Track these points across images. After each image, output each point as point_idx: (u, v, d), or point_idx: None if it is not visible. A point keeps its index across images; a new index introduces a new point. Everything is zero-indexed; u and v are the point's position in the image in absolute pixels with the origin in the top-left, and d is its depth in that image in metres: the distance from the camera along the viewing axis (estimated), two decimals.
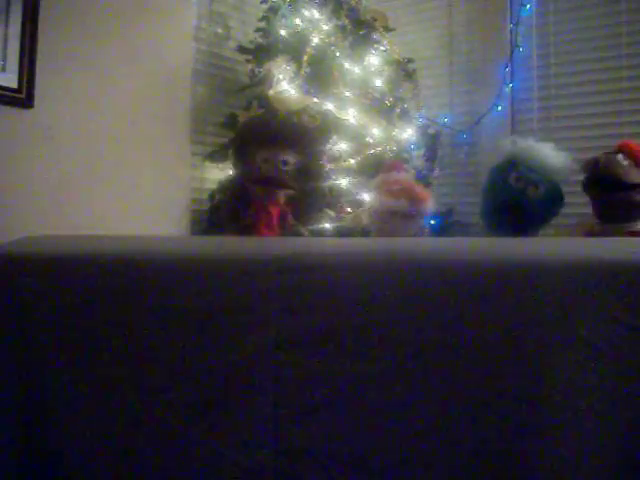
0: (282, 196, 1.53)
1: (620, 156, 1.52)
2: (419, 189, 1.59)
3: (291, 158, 1.50)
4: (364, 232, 1.84)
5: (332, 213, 1.89)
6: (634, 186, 1.49)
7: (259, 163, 1.48)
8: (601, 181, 1.52)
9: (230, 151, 1.54)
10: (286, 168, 1.49)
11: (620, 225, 1.49)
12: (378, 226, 1.60)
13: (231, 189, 1.57)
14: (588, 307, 0.72)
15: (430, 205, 1.57)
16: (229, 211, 1.59)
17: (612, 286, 0.72)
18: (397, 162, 1.83)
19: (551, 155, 1.55)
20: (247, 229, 1.50)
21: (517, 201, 1.48)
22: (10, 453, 0.94)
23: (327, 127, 2.06)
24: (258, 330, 0.85)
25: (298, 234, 1.54)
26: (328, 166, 1.93)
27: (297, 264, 0.86)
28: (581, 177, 1.62)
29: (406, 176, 1.67)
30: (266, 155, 1.48)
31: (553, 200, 1.55)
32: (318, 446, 0.81)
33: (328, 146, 2.01)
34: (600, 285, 0.72)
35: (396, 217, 1.53)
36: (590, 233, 1.57)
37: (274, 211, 1.52)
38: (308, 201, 1.56)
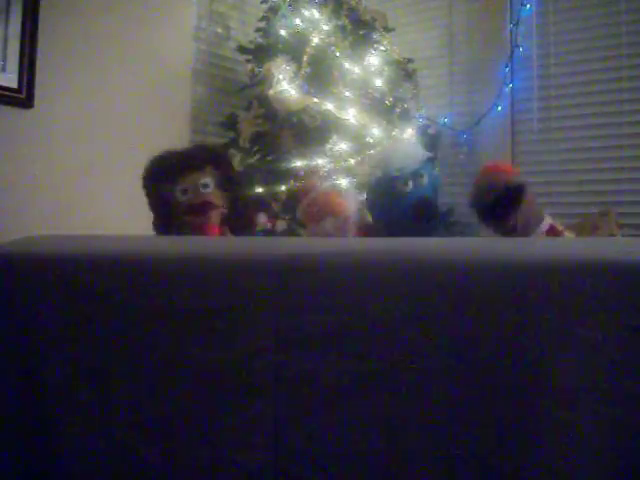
0: (216, 216, 1.47)
1: None
2: (335, 202, 1.57)
3: (209, 179, 1.44)
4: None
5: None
6: None
7: (179, 197, 1.42)
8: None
9: (147, 197, 1.49)
10: (208, 190, 1.44)
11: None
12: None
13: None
14: (588, 307, 0.72)
15: (352, 209, 1.56)
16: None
17: (612, 286, 0.72)
18: (308, 179, 1.80)
19: (408, 147, 1.60)
20: None
21: (418, 200, 1.51)
22: (10, 453, 0.94)
23: (327, 127, 2.06)
24: (258, 330, 0.85)
25: None
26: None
27: (297, 264, 0.86)
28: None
29: (320, 191, 1.64)
30: (183, 186, 1.43)
31: (436, 176, 1.62)
32: (318, 446, 0.81)
33: (328, 146, 2.01)
34: (600, 285, 0.72)
35: (336, 233, 1.54)
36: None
37: (214, 231, 1.47)
38: (240, 211, 1.52)
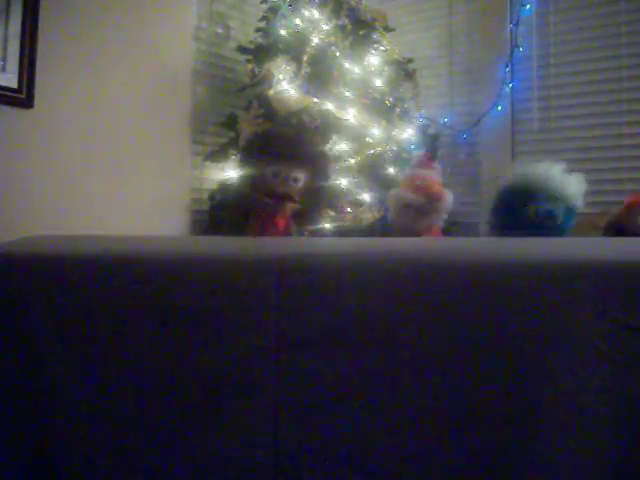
0: (290, 209, 1.53)
1: None
2: (437, 187, 1.60)
3: (301, 175, 1.49)
4: (364, 231, 1.85)
5: (333, 213, 1.90)
6: None
7: (269, 176, 1.47)
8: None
9: (239, 157, 1.54)
10: (296, 185, 1.48)
11: None
12: (394, 218, 1.63)
13: (237, 197, 1.56)
14: (587, 307, 0.72)
15: (447, 204, 1.57)
16: (234, 220, 1.59)
17: (611, 286, 0.72)
18: (426, 158, 1.82)
19: (566, 183, 1.54)
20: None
21: (536, 233, 1.49)
22: (10, 453, 0.94)
23: (327, 127, 2.06)
24: (258, 330, 0.85)
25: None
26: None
27: (297, 264, 0.86)
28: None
29: (431, 173, 1.67)
30: (277, 169, 1.47)
31: (569, 220, 1.54)
32: (318, 446, 0.81)
33: (328, 146, 2.01)
34: (599, 285, 0.72)
35: (410, 210, 1.55)
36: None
37: (280, 223, 1.52)
38: (311, 206, 1.56)
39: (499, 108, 2.50)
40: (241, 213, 1.56)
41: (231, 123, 2.31)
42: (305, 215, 1.58)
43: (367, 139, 2.20)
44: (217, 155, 2.34)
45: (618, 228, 1.51)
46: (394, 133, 2.28)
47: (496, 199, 1.60)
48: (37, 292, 0.96)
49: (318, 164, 1.55)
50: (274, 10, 2.36)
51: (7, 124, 1.92)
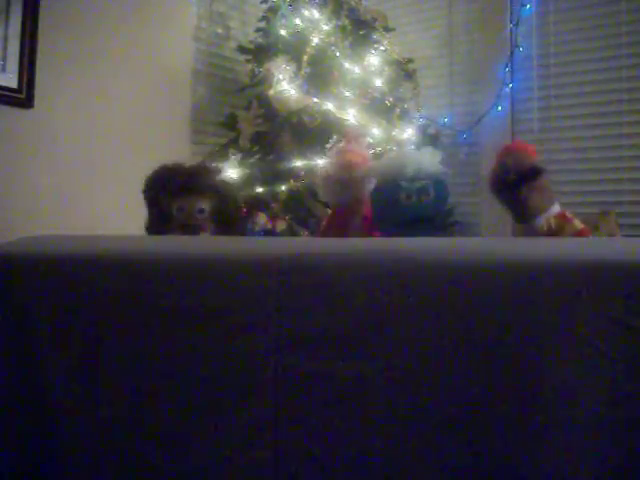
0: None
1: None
2: (357, 158, 1.58)
3: (206, 205, 1.46)
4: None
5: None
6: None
7: (174, 212, 1.45)
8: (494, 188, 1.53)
9: (145, 201, 1.52)
10: (203, 216, 1.46)
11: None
12: (321, 193, 1.63)
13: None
14: (587, 307, 0.72)
15: (365, 170, 1.57)
16: None
17: (612, 286, 0.72)
18: (349, 131, 1.80)
19: (421, 156, 1.57)
20: None
21: (416, 216, 1.51)
22: (9, 452, 0.94)
23: (327, 127, 2.06)
24: (258, 330, 0.85)
25: None
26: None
27: (297, 264, 0.86)
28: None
29: (355, 146, 1.66)
30: (180, 204, 1.45)
31: (443, 194, 1.57)
32: (318, 446, 0.81)
33: (328, 146, 2.01)
34: (600, 285, 0.72)
35: (332, 182, 1.54)
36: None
37: None
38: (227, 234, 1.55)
39: (499, 108, 2.50)
40: None
41: (231, 123, 2.31)
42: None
43: (367, 139, 2.20)
44: (217, 155, 2.34)
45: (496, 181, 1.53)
46: (394, 133, 2.28)
47: (374, 199, 1.62)
48: (37, 292, 0.96)
49: (219, 189, 1.53)
50: (274, 10, 2.35)
51: (7, 124, 1.91)
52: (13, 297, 0.97)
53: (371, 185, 1.55)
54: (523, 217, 1.41)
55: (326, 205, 1.73)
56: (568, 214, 1.42)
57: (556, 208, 1.41)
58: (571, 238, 1.28)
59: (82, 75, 2.10)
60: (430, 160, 1.58)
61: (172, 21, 2.44)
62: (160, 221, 1.47)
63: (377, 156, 1.91)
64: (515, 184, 1.37)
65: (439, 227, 1.57)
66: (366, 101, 2.24)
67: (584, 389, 0.71)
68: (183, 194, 1.45)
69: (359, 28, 2.34)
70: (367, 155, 1.66)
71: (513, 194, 1.39)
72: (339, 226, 1.54)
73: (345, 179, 1.52)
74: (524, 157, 1.42)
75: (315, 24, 2.26)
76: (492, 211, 2.38)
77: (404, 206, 1.50)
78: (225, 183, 1.61)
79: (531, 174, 1.37)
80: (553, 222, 1.38)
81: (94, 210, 2.10)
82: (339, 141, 1.66)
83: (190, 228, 1.45)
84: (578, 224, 1.41)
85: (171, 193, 1.46)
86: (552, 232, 1.39)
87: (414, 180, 1.51)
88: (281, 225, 2.03)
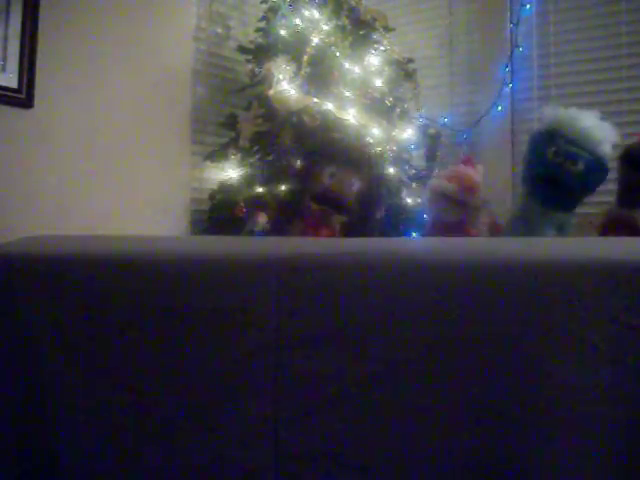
0: (337, 221, 1.52)
1: None
2: (474, 181, 1.61)
3: (357, 182, 1.50)
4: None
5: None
6: None
7: (325, 177, 1.47)
8: (632, 159, 1.46)
9: (298, 162, 1.53)
10: (351, 191, 1.49)
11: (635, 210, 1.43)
12: (429, 206, 1.65)
13: (277, 195, 1.55)
14: (588, 307, 0.72)
15: (481, 197, 1.58)
16: (275, 222, 1.57)
17: (612, 286, 0.72)
18: (468, 158, 1.84)
19: (594, 126, 1.49)
20: None
21: (553, 175, 1.44)
22: (10, 453, 0.94)
23: (328, 127, 2.06)
24: (258, 330, 0.85)
25: None
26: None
27: (297, 264, 0.86)
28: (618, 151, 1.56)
29: (470, 170, 1.69)
30: (335, 171, 1.48)
31: (592, 174, 1.49)
32: (318, 446, 0.81)
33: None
34: (600, 285, 0.72)
35: (444, 199, 1.56)
36: (607, 220, 1.53)
37: (324, 234, 1.50)
38: (361, 220, 1.56)
39: (499, 108, 2.50)
40: (283, 214, 1.55)
41: (231, 123, 2.31)
42: (353, 230, 1.56)
43: (367, 139, 2.20)
44: (217, 155, 2.34)
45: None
46: (394, 133, 2.28)
47: (527, 144, 1.58)
48: (37, 292, 0.96)
49: (373, 171, 1.55)
50: (274, 10, 2.35)
51: (7, 124, 1.91)
52: (13, 297, 0.97)
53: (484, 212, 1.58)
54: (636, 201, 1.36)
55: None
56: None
57: None
58: (570, 238, 1.28)
59: (82, 75, 2.10)
60: (604, 136, 1.48)
61: (172, 21, 2.44)
62: (308, 189, 1.47)
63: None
64: None
65: (569, 205, 1.49)
66: (366, 101, 2.24)
67: (584, 389, 0.71)
68: (340, 163, 1.53)
69: (359, 28, 2.34)
70: (479, 182, 1.68)
71: None
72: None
73: (461, 200, 1.54)
74: None
75: (315, 24, 2.25)
76: (492, 211, 2.38)
77: (546, 161, 1.44)
78: (379, 168, 1.66)
79: None
80: None
81: (94, 210, 2.10)
82: (457, 163, 1.68)
83: (332, 201, 1.44)
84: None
85: (329, 159, 1.53)
86: None
87: (572, 143, 1.43)
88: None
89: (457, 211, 1.59)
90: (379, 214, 1.72)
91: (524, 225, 1.51)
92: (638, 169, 1.43)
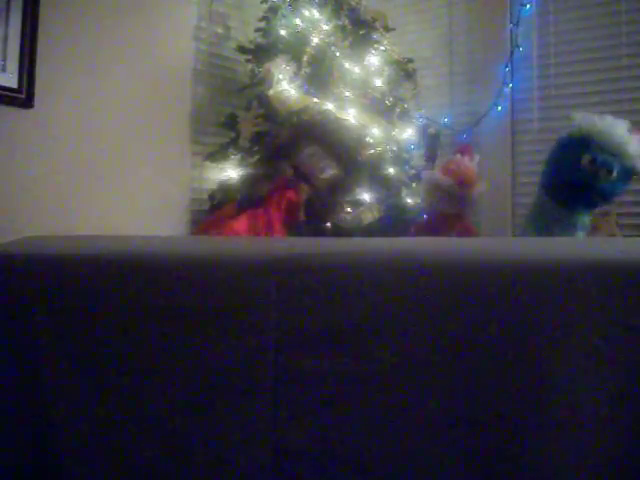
0: (303, 191, 1.55)
1: None
2: (470, 173, 1.61)
3: (331, 167, 1.55)
4: (365, 231, 1.86)
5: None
6: None
7: (305, 154, 1.51)
8: None
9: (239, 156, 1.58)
10: (326, 175, 1.53)
11: None
12: (425, 199, 1.65)
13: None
14: (588, 307, 0.72)
15: (477, 189, 1.57)
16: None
17: (611, 286, 0.72)
18: (466, 146, 1.83)
19: (626, 138, 1.50)
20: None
21: (589, 184, 1.45)
22: (9, 451, 0.94)
23: (327, 127, 2.06)
24: (258, 330, 0.85)
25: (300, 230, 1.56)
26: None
27: (297, 264, 0.86)
28: None
29: (467, 161, 1.68)
30: (314, 152, 1.51)
31: (624, 181, 1.50)
32: (318, 446, 0.81)
33: None
34: (599, 285, 0.72)
35: (440, 191, 1.56)
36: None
37: (289, 196, 1.53)
38: (327, 199, 1.59)
39: (499, 108, 2.50)
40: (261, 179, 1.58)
41: (231, 123, 2.31)
42: (319, 207, 1.59)
43: (367, 139, 2.20)
44: (217, 155, 2.34)
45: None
46: (394, 133, 2.28)
47: (555, 148, 1.58)
48: (37, 292, 0.96)
49: (348, 160, 1.59)
50: (274, 10, 2.35)
51: (7, 124, 1.91)
52: (13, 297, 0.97)
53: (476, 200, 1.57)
54: None
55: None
56: None
57: None
58: (570, 238, 1.28)
59: (82, 75, 2.10)
60: (636, 148, 1.48)
61: (172, 21, 2.44)
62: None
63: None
64: None
65: (592, 208, 1.50)
66: (366, 101, 2.24)
67: (585, 389, 0.71)
68: (321, 145, 1.61)
69: (359, 28, 2.34)
70: (476, 171, 1.68)
71: None
72: (437, 231, 1.56)
73: (458, 193, 1.53)
74: None
75: (315, 24, 2.25)
76: (492, 211, 2.38)
77: (580, 168, 1.43)
78: (354, 157, 1.71)
79: None
80: None
81: (94, 210, 2.10)
82: (454, 154, 1.68)
83: (303, 174, 1.51)
84: None
85: (311, 140, 1.59)
86: None
87: (607, 151, 1.43)
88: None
89: (453, 203, 1.58)
90: (342, 202, 1.75)
91: (546, 226, 1.51)
92: None
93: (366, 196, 2.07)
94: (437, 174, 1.63)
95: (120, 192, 2.19)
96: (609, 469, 0.70)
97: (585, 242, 1.16)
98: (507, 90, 2.51)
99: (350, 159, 1.63)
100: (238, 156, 2.25)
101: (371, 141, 2.18)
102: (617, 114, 2.31)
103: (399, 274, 0.81)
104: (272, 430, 0.83)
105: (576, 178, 1.46)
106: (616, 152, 1.46)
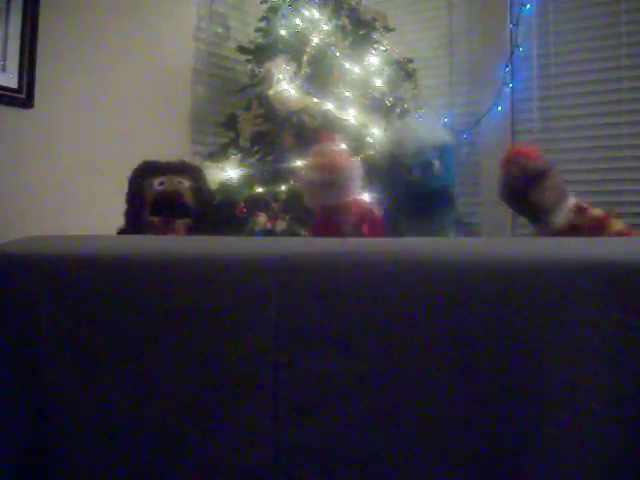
0: (182, 226, 1.56)
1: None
2: (337, 158, 1.54)
3: (186, 181, 1.60)
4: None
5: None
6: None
7: (155, 187, 1.55)
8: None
9: (126, 192, 1.63)
10: (183, 186, 1.59)
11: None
12: (305, 200, 1.60)
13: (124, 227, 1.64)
14: (587, 307, 0.72)
15: (353, 172, 1.52)
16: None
17: (611, 286, 0.72)
18: (327, 134, 1.78)
19: (422, 130, 1.49)
20: None
21: (423, 192, 1.43)
22: (9, 451, 0.94)
23: (327, 127, 2.06)
24: (258, 330, 0.85)
25: None
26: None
27: (297, 264, 0.86)
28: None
29: (331, 146, 1.62)
30: (162, 179, 1.59)
31: (450, 166, 1.49)
32: (318, 446, 0.81)
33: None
34: (599, 285, 0.72)
35: (315, 187, 1.51)
36: None
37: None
38: (205, 225, 1.61)
39: (499, 108, 2.50)
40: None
41: (231, 123, 2.31)
42: (200, 225, 1.61)
43: (367, 139, 2.20)
44: (217, 155, 2.34)
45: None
46: None
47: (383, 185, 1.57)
48: (37, 292, 0.96)
49: (194, 170, 1.67)
50: (274, 10, 2.35)
51: (7, 124, 1.91)
52: (13, 297, 0.97)
53: (358, 181, 1.52)
54: (539, 218, 1.41)
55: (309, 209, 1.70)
56: (583, 204, 1.41)
57: (571, 201, 1.40)
58: (570, 238, 1.28)
59: (82, 75, 2.10)
60: (431, 129, 1.48)
61: (172, 21, 2.44)
62: (138, 207, 1.55)
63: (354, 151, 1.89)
64: (524, 192, 1.37)
65: (449, 200, 1.49)
66: (366, 101, 2.24)
67: (584, 389, 0.71)
68: (164, 174, 1.62)
69: (359, 28, 2.34)
70: (346, 153, 1.63)
71: (525, 201, 1.39)
72: (328, 229, 1.50)
73: (329, 181, 1.48)
74: (527, 163, 1.41)
75: (315, 24, 2.25)
76: (492, 211, 2.38)
77: (408, 183, 1.42)
78: (200, 169, 1.75)
79: (538, 177, 1.37)
80: (571, 215, 1.38)
81: (94, 210, 2.10)
82: (315, 144, 1.63)
83: (170, 195, 1.54)
84: (596, 212, 1.41)
85: (152, 173, 1.61)
86: (573, 225, 1.38)
87: (416, 155, 1.42)
88: (281, 225, 2.03)
89: (332, 193, 1.53)
90: (214, 212, 1.76)
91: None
92: (514, 202, 1.48)
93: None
94: (305, 170, 1.57)
95: (120, 192, 2.19)
96: (609, 469, 0.70)
97: (585, 242, 1.16)
98: (507, 90, 2.51)
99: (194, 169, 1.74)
100: (238, 156, 2.25)
101: (371, 141, 2.19)
102: (617, 114, 2.33)
103: (399, 274, 0.81)
104: (272, 430, 0.83)
105: (411, 194, 1.44)
106: (422, 148, 1.43)
